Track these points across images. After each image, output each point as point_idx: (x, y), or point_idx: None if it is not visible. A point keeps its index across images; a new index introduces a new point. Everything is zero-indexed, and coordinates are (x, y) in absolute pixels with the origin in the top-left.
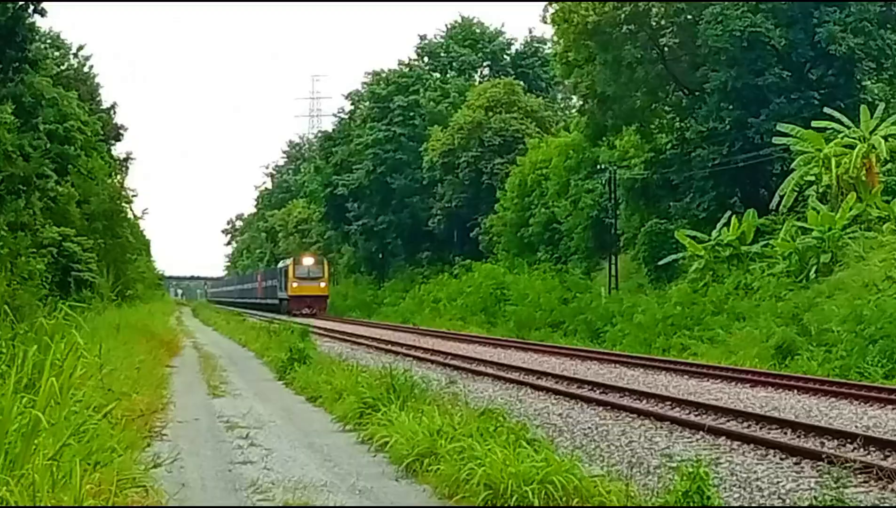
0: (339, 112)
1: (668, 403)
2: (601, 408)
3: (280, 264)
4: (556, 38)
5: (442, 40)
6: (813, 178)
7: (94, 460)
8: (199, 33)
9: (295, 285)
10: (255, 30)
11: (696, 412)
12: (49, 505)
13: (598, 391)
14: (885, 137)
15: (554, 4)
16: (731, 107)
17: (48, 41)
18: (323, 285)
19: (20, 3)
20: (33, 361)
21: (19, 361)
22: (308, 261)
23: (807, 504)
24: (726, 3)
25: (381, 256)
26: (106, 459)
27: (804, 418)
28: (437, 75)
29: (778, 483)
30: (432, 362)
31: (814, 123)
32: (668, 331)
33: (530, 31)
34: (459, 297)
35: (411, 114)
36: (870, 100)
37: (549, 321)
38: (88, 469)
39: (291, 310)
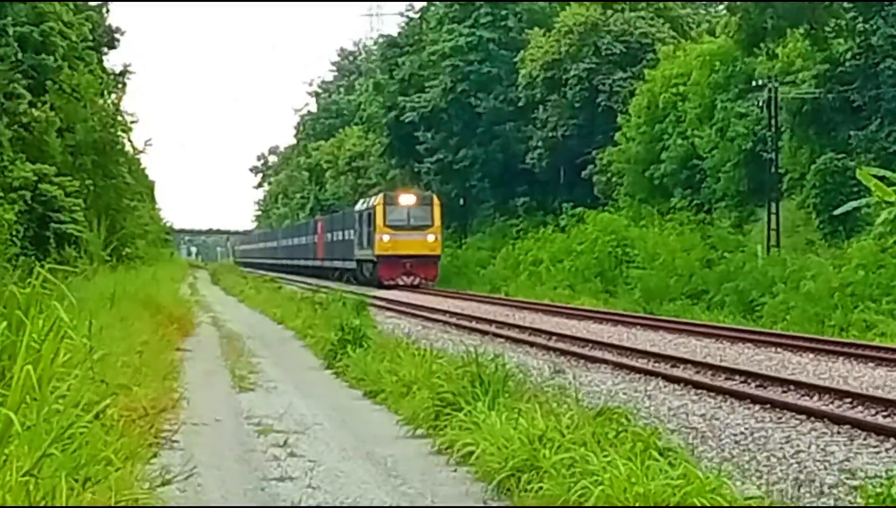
0: (407, 11)
1: (848, 400)
2: (757, 407)
3: (360, 206)
4: None
5: None
6: None
7: (83, 475)
8: None
9: (386, 238)
10: None
11: (886, 412)
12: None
13: (753, 385)
14: None
15: None
16: None
17: None
18: (432, 238)
19: None
20: (3, 343)
21: None
22: (408, 200)
23: None
24: None
25: (462, 202)
26: (99, 473)
27: None
28: None
29: None
30: (532, 344)
31: None
32: (847, 304)
33: None
34: (567, 258)
35: (503, 12)
36: None
37: (688, 291)
38: (76, 488)
39: (382, 278)
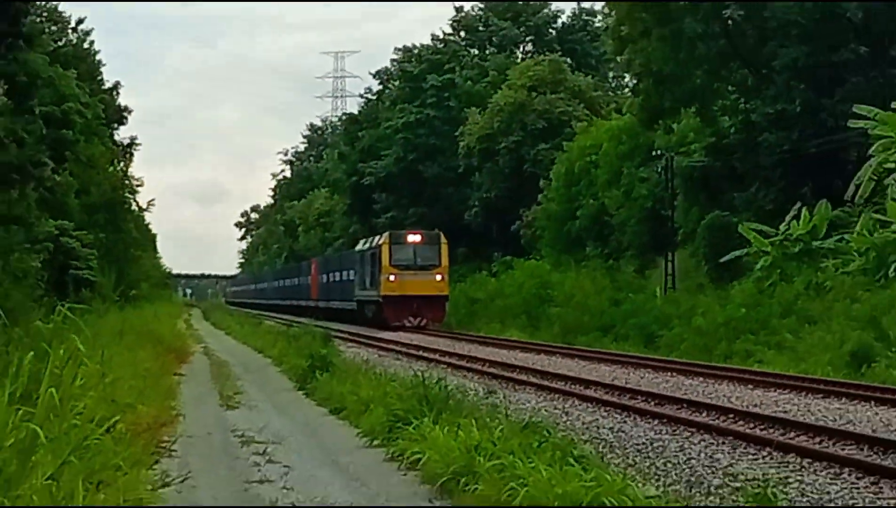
0: (365, 93)
1: (731, 416)
2: (656, 421)
3: (361, 246)
4: (607, 11)
5: (480, 13)
6: (893, 165)
7: (97, 479)
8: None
9: (392, 278)
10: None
11: (762, 426)
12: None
13: (652, 403)
14: None
15: None
16: (802, 87)
17: (44, 14)
18: (440, 278)
19: None
20: (30, 369)
21: (14, 369)
22: (414, 238)
23: None
24: None
25: None
26: (110, 478)
27: (883, 432)
28: (475, 52)
29: (854, 504)
30: (469, 370)
31: (894, 105)
32: (730, 336)
33: (578, 3)
34: (498, 298)
35: (446, 94)
36: None
37: (599, 325)
38: (91, 489)
39: (388, 319)
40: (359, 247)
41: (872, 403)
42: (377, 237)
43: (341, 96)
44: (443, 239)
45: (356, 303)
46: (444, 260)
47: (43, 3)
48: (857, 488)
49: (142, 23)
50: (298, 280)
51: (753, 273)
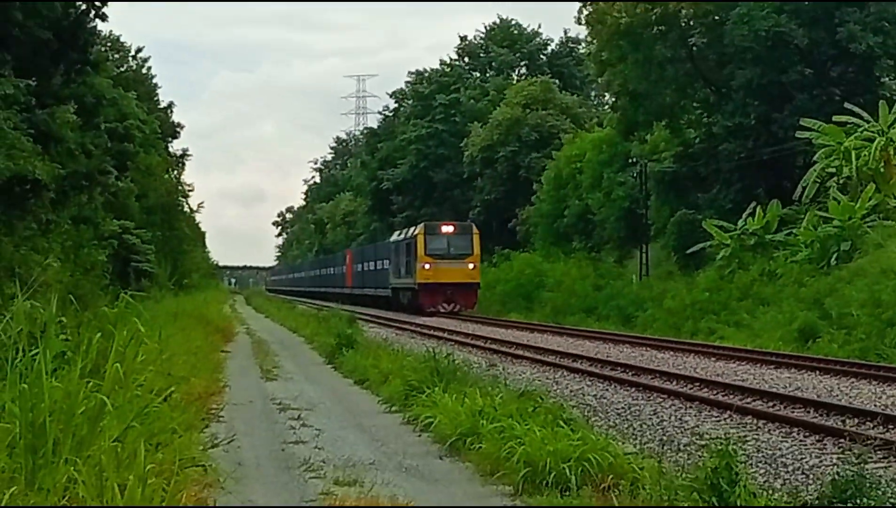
0: (383, 110)
1: (697, 384)
2: (633, 389)
3: (396, 237)
4: (590, 39)
5: (481, 41)
6: (834, 170)
7: (155, 441)
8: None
9: (427, 266)
10: (302, 30)
11: (724, 393)
12: (92, 506)
13: (630, 374)
14: None
15: (588, 6)
16: (756, 103)
17: (108, 44)
18: (472, 266)
19: (82, 7)
20: (98, 347)
21: (84, 347)
22: (448, 229)
23: (829, 479)
24: (752, 3)
25: None
26: (167, 440)
27: (826, 397)
28: (477, 75)
29: (802, 459)
30: (473, 346)
31: (835, 118)
32: (696, 316)
33: (565, 32)
34: (498, 285)
35: (452, 111)
36: (888, 95)
37: (584, 307)
38: (151, 450)
39: (423, 306)
40: (393, 238)
41: (817, 372)
42: (412, 228)
43: (363, 113)
44: (475, 230)
45: (391, 290)
46: (476, 249)
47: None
48: (805, 445)
49: (193, 52)
50: (334, 269)
51: (715, 262)
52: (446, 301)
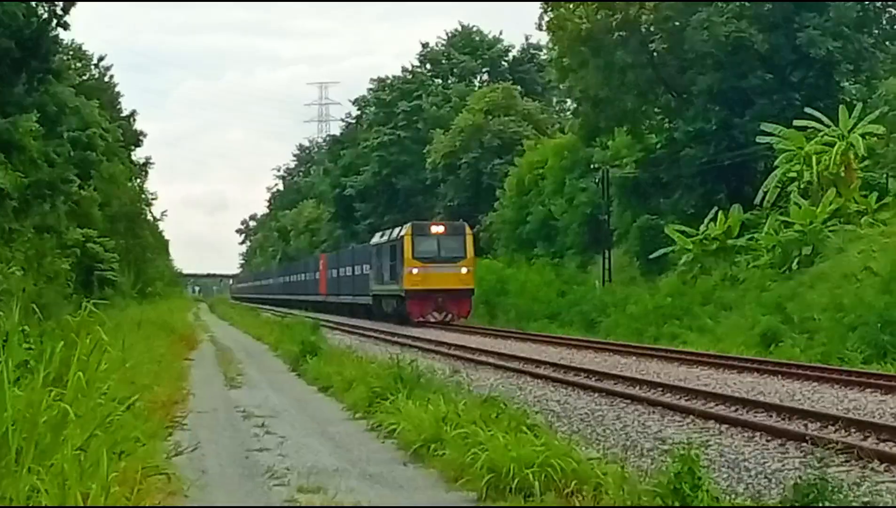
0: (346, 117)
1: (660, 389)
2: (597, 395)
3: (380, 238)
4: (551, 45)
5: (443, 48)
6: (795, 175)
7: (119, 449)
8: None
9: (415, 271)
10: (264, 37)
11: (687, 398)
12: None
13: (593, 379)
14: (863, 136)
15: (549, 13)
16: (717, 108)
17: (70, 53)
18: (465, 271)
19: (44, 16)
20: (61, 356)
21: (47, 356)
22: (438, 230)
23: (791, 483)
24: (712, 9)
25: None
26: (131, 448)
27: (788, 401)
28: (439, 81)
29: (764, 463)
30: (437, 352)
31: (795, 123)
32: (658, 321)
33: (527, 39)
34: None
35: (415, 118)
36: (847, 100)
37: (547, 313)
38: (114, 458)
39: (411, 314)
40: (375, 240)
41: (779, 377)
42: (398, 229)
43: (326, 121)
44: (468, 230)
45: (372, 297)
46: (470, 252)
47: (69, 42)
48: (767, 449)
49: (157, 59)
50: (305, 275)
51: (678, 267)
52: (437, 310)
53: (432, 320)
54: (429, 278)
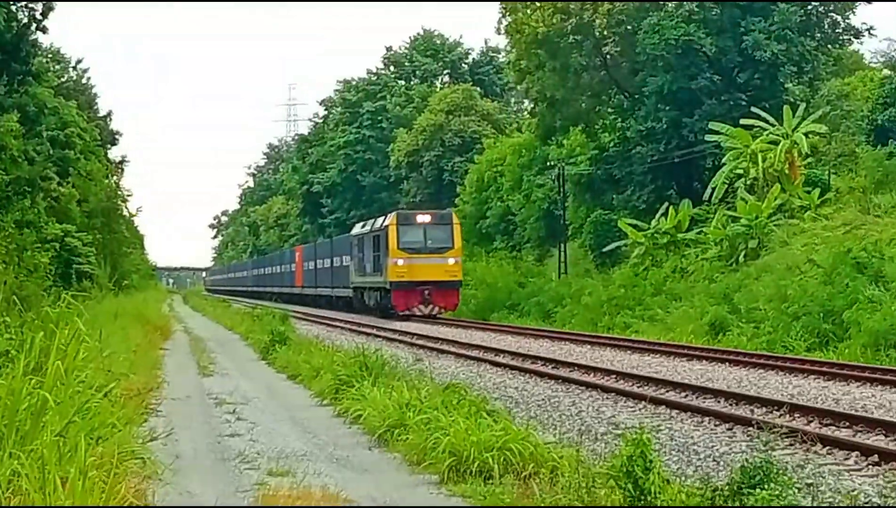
0: (313, 117)
1: (614, 376)
2: (553, 382)
3: (361, 228)
4: (509, 48)
5: (406, 51)
6: (741, 171)
7: (96, 435)
8: (182, 43)
9: (400, 262)
10: (234, 40)
11: (639, 384)
12: (76, 506)
13: (550, 367)
14: (806, 134)
15: (508, 17)
16: (667, 108)
17: (49, 55)
18: (453, 261)
19: (24, 21)
20: (40, 346)
21: (27, 346)
22: (424, 219)
23: (738, 465)
24: (662, 13)
25: None
26: (107, 434)
27: (735, 388)
28: (402, 83)
29: (713, 447)
30: (400, 342)
31: (742, 122)
32: (612, 311)
33: (486, 42)
34: None
35: (379, 118)
36: (791, 101)
37: (506, 304)
38: (92, 444)
39: (396, 308)
40: (356, 231)
41: (727, 364)
42: (381, 218)
43: (294, 120)
44: (455, 219)
45: (353, 290)
46: (458, 242)
47: (48, 46)
48: (716, 433)
49: (132, 58)
50: (281, 267)
51: (630, 260)
52: (423, 303)
53: (418, 313)
54: (415, 270)
